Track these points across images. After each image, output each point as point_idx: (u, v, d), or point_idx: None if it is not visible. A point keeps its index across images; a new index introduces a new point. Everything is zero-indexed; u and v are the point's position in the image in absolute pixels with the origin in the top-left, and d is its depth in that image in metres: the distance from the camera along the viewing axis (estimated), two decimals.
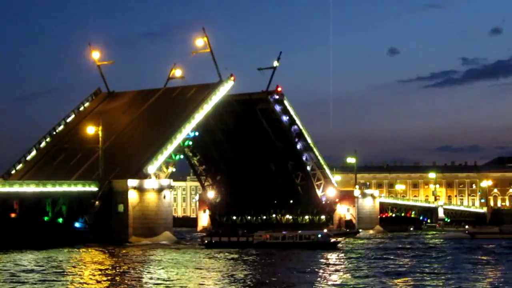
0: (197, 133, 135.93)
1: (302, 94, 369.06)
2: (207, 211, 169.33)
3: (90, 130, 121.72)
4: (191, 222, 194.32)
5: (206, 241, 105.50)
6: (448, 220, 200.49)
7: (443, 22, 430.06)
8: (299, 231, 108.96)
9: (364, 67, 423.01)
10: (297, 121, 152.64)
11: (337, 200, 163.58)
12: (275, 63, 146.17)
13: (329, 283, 61.07)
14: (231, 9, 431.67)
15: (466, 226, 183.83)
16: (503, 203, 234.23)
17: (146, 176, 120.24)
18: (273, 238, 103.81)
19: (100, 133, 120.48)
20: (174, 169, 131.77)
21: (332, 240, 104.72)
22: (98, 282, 61.85)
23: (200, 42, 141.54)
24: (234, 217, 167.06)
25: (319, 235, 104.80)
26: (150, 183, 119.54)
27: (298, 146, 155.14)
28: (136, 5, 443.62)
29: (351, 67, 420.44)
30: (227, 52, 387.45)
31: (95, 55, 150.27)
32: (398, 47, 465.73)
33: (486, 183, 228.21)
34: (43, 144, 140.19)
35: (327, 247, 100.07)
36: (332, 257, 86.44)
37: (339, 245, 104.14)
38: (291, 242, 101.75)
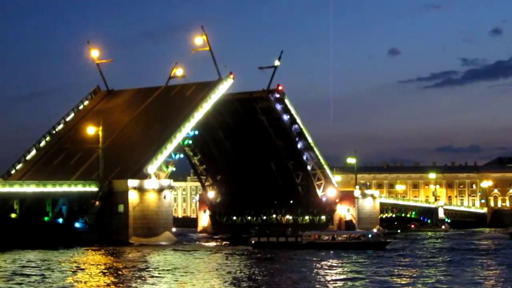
0: (196, 132, 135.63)
1: (302, 94, 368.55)
2: (207, 211, 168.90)
3: (90, 130, 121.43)
4: (191, 222, 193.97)
5: (253, 242, 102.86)
6: (449, 221, 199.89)
7: (443, 23, 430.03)
8: (349, 231, 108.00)
9: (365, 67, 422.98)
10: (298, 120, 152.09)
11: (337, 200, 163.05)
12: (276, 62, 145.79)
13: None
14: (232, 9, 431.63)
15: (443, 227, 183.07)
16: (504, 204, 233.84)
17: (146, 176, 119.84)
18: (322, 238, 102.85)
19: (100, 133, 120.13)
20: (174, 169, 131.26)
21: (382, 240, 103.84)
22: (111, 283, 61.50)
23: (199, 40, 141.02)
24: (234, 217, 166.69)
25: (369, 235, 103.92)
26: (150, 183, 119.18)
27: (299, 145, 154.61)
28: (136, 5, 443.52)
29: (352, 67, 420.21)
30: (228, 52, 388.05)
31: (94, 53, 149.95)
32: (398, 48, 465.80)
33: (486, 184, 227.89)
34: (42, 143, 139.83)
35: (377, 247, 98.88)
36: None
37: (388, 246, 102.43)
38: (341, 242, 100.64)
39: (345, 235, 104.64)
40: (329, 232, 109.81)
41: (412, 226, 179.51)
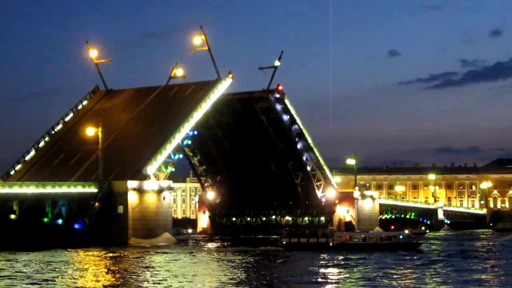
0: (196, 132, 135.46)
1: (302, 94, 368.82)
2: (207, 212, 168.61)
3: (90, 131, 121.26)
4: (191, 223, 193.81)
5: (284, 242, 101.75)
6: (448, 222, 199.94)
7: (443, 24, 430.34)
8: (381, 232, 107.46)
9: (364, 68, 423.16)
10: (298, 121, 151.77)
11: (336, 201, 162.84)
12: (277, 63, 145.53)
13: None
14: (232, 9, 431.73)
15: (423, 228, 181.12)
16: (503, 205, 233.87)
17: (146, 176, 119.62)
18: (353, 239, 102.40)
19: (99, 134, 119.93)
20: (173, 169, 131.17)
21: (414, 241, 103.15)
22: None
23: (198, 40, 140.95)
24: (234, 218, 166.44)
25: (401, 236, 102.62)
26: (149, 185, 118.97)
27: (299, 146, 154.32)
28: (135, 6, 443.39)
29: (351, 68, 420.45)
30: (228, 52, 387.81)
31: (93, 53, 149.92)
32: (398, 49, 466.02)
33: (485, 185, 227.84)
34: (41, 144, 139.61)
35: (409, 248, 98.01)
36: None
37: (420, 246, 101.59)
38: (372, 243, 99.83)
39: (377, 236, 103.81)
40: (361, 233, 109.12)
41: (392, 227, 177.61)
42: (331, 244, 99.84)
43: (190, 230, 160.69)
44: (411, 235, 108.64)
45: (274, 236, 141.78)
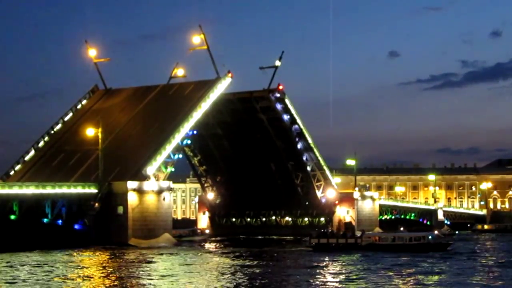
0: (195, 132, 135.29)
1: (302, 95, 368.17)
2: (207, 213, 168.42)
3: (90, 132, 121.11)
4: (191, 224, 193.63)
5: (313, 243, 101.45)
6: (448, 222, 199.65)
7: (443, 25, 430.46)
8: (410, 233, 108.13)
9: (364, 69, 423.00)
10: (298, 121, 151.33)
11: (336, 202, 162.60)
12: (277, 62, 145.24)
13: None
14: (232, 9, 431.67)
15: (401, 228, 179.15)
16: (503, 205, 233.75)
17: (145, 177, 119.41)
18: (382, 239, 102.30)
19: (99, 134, 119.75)
20: (173, 169, 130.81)
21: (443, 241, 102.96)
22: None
23: (197, 39, 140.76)
24: (234, 219, 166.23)
25: (430, 237, 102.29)
26: (149, 185, 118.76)
27: (299, 146, 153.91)
28: (134, 5, 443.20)
29: (351, 69, 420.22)
30: (228, 52, 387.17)
31: (92, 52, 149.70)
32: (398, 50, 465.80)
33: (485, 185, 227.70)
34: (41, 143, 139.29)
35: (438, 248, 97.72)
36: None
37: (449, 247, 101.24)
38: (401, 244, 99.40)
39: (406, 237, 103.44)
40: (390, 233, 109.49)
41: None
42: (360, 245, 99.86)
43: (207, 231, 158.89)
44: (440, 236, 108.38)
45: (275, 237, 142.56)
